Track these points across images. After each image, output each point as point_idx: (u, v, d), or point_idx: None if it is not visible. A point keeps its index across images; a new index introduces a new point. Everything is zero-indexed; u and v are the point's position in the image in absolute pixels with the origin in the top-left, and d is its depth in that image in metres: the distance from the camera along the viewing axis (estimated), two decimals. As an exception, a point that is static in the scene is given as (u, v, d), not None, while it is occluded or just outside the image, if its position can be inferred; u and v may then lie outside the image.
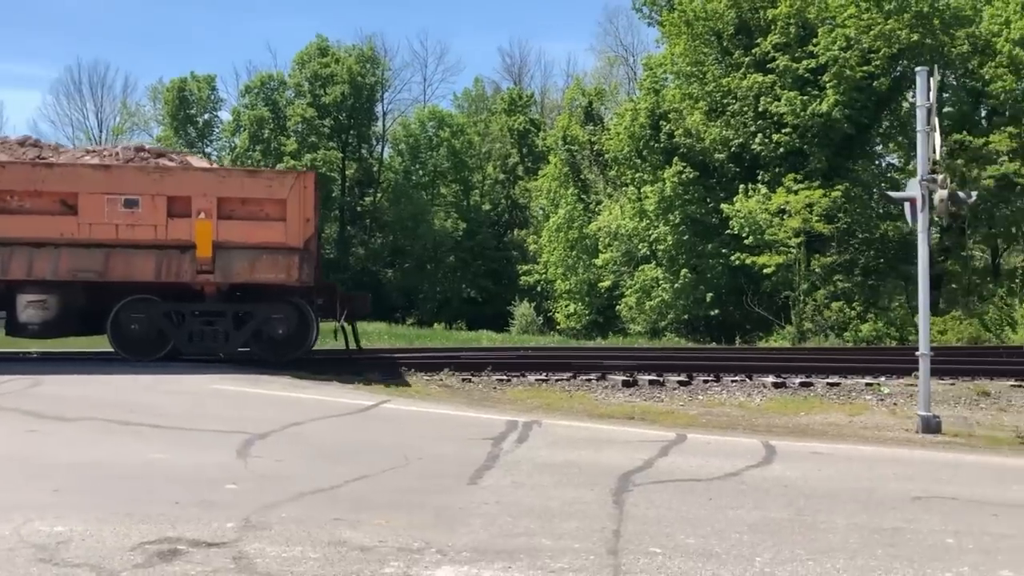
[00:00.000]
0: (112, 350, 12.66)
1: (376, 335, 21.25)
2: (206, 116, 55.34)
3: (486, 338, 27.55)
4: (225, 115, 55.74)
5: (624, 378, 12.80)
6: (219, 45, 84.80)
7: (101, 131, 58.76)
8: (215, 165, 16.46)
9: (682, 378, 12.93)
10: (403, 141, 52.26)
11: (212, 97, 55.38)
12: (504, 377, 12.84)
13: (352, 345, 13.77)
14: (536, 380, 12.73)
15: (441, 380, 12.62)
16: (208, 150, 51.57)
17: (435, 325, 37.12)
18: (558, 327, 37.27)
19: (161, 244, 12.03)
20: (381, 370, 12.93)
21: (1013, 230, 29.61)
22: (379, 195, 51.68)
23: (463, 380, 12.70)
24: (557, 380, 12.71)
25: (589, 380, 12.78)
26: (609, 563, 4.52)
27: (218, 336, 12.52)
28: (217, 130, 55.45)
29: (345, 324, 13.52)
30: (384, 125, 54.88)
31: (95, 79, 60.59)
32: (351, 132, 51.83)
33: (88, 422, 8.05)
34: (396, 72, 58.61)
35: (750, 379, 12.95)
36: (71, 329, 12.81)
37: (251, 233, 12.17)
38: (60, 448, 7.06)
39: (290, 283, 12.41)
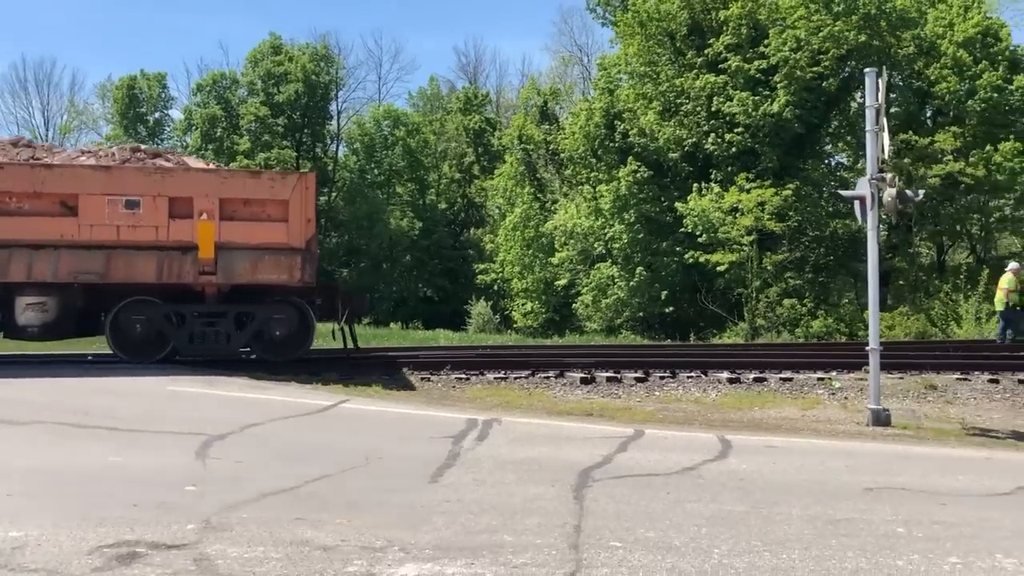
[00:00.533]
0: (72, 353, 12.39)
1: (329, 335, 21.07)
2: (157, 114, 54.42)
3: (443, 337, 27.49)
4: (176, 113, 54.94)
5: (582, 375, 12.89)
6: (170, 43, 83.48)
7: (48, 129, 57.57)
8: (212, 165, 16.12)
9: (639, 375, 13.06)
10: (358, 140, 51.94)
11: (163, 95, 54.50)
12: (463, 376, 12.86)
13: (350, 345, 13.77)
14: (495, 378, 12.77)
15: (400, 380, 12.59)
16: None
17: (391, 325, 36.94)
18: (515, 326, 37.34)
19: (162, 245, 11.97)
20: (339, 369, 12.86)
21: (957, 228, 30.39)
22: (334, 194, 51.27)
23: (422, 379, 12.69)
24: (516, 378, 12.77)
25: (548, 378, 12.85)
26: (571, 558, 4.58)
27: (220, 337, 12.51)
28: (168, 129, 54.60)
29: (344, 324, 13.55)
30: (339, 124, 54.49)
31: (41, 76, 59.63)
32: (305, 131, 51.36)
33: (40, 425, 7.91)
34: (350, 71, 58.57)
35: (705, 375, 13.12)
36: (69, 331, 12.66)
37: (253, 234, 12.18)
38: (12, 452, 6.93)
39: (293, 284, 12.44)
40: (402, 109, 54.74)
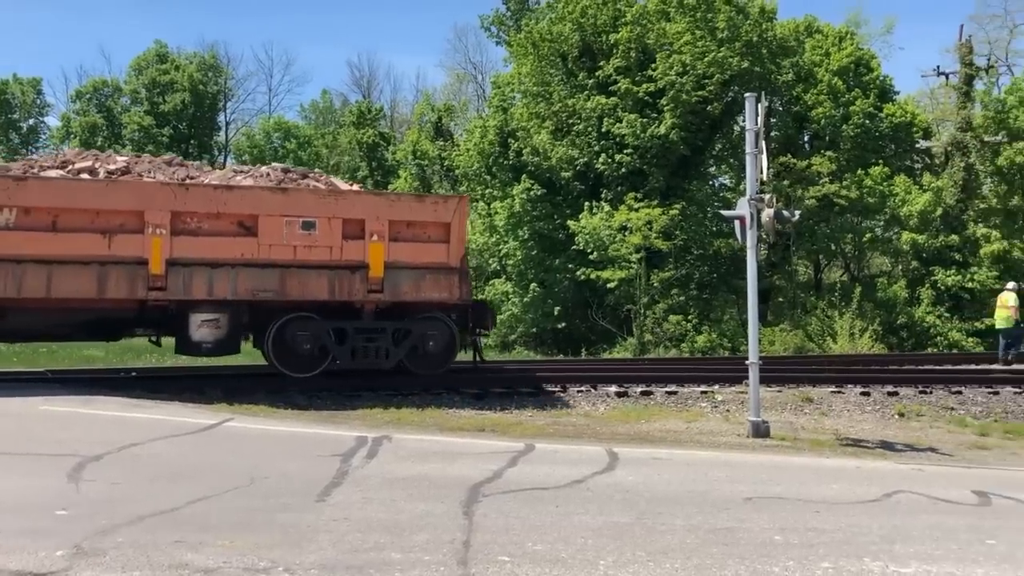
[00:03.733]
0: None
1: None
2: (31, 121, 52.02)
3: (334, 354, 27.03)
4: (53, 121, 52.65)
5: (475, 391, 12.92)
6: (45, 46, 79.83)
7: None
8: (352, 185, 16.63)
9: (531, 389, 13.18)
10: (247, 152, 50.80)
11: (38, 101, 52.20)
12: (354, 393, 12.69)
13: (479, 358, 14.58)
14: (387, 395, 12.64)
15: (288, 397, 12.33)
16: (34, 158, 48.47)
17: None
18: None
19: (334, 264, 12.46)
20: (224, 388, 12.49)
21: (832, 247, 31.89)
22: (221, 207, 49.91)
23: (311, 396, 12.46)
24: (408, 395, 12.67)
25: (440, 394, 12.82)
26: (459, 573, 4.59)
27: (380, 352, 13.01)
28: (44, 136, 52.28)
29: (476, 338, 14.39)
30: (227, 135, 53.27)
31: (-101, 77, 55.63)
32: (191, 142, 49.93)
33: None
34: (240, 81, 57.15)
35: (595, 389, 13.35)
36: (237, 347, 13.02)
37: (417, 254, 12.85)
38: None
39: (452, 301, 13.07)
40: (293, 121, 54.03)
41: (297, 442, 8.76)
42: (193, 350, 12.51)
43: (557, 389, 13.31)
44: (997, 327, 19.87)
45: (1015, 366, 17.91)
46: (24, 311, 11.72)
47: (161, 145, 48.03)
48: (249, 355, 18.83)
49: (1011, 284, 20.45)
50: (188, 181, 12.78)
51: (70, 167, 12.85)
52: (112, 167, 12.87)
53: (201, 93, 49.15)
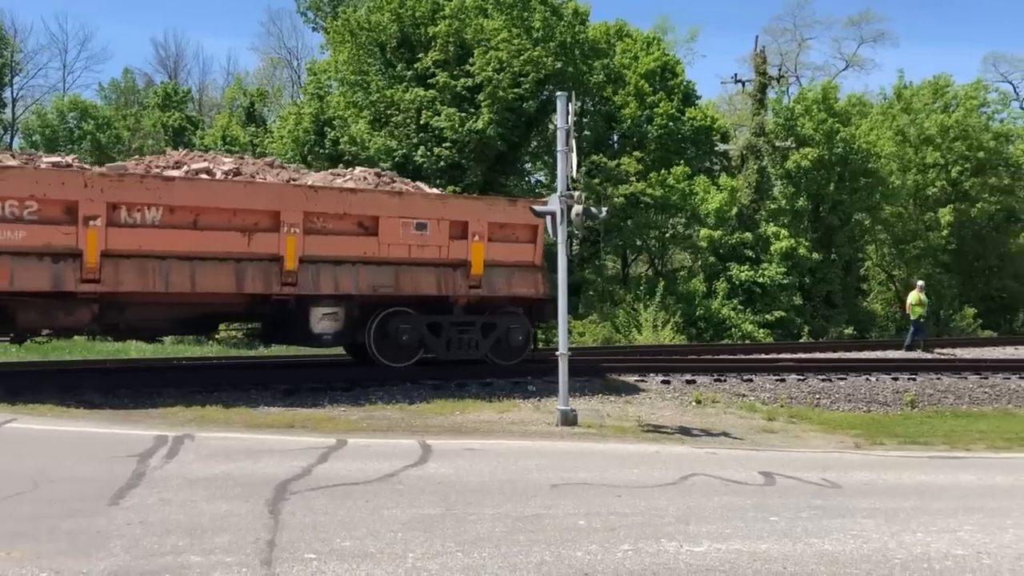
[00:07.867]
0: None
1: None
2: None
3: (135, 349, 25.54)
4: None
5: (286, 386, 12.59)
6: None
7: None
8: (436, 190, 17.75)
9: (344, 384, 12.99)
10: (38, 132, 46.86)
11: None
12: (154, 390, 12.03)
13: (535, 346, 15.50)
14: (190, 392, 12.06)
15: (80, 395, 11.50)
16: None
17: (75, 336, 33.65)
18: (218, 336, 35.53)
19: (440, 262, 13.43)
20: (5, 386, 11.47)
21: (638, 242, 33.37)
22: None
23: (107, 393, 11.70)
24: (214, 391, 12.15)
25: (248, 390, 12.38)
26: (263, 573, 4.46)
27: (471, 344, 13.92)
28: None
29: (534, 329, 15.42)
30: (14, 113, 48.99)
31: None
32: (-29, 118, 45.63)
33: None
34: (29, 55, 52.76)
35: (412, 382, 13.32)
36: (350, 339, 13.63)
37: (510, 253, 14.06)
38: None
39: (537, 296, 14.28)
40: (91, 101, 50.33)
41: (90, 443, 8.22)
42: (313, 342, 13.35)
43: (373, 384, 13.18)
44: (911, 318, 23.05)
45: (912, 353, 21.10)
46: (145, 305, 12.07)
47: (-66, 120, 43.64)
48: (35, 350, 17.50)
49: (919, 283, 23.83)
50: (291, 182, 13.39)
51: (186, 167, 13.30)
52: (224, 168, 13.47)
53: (-18, 65, 44.99)
